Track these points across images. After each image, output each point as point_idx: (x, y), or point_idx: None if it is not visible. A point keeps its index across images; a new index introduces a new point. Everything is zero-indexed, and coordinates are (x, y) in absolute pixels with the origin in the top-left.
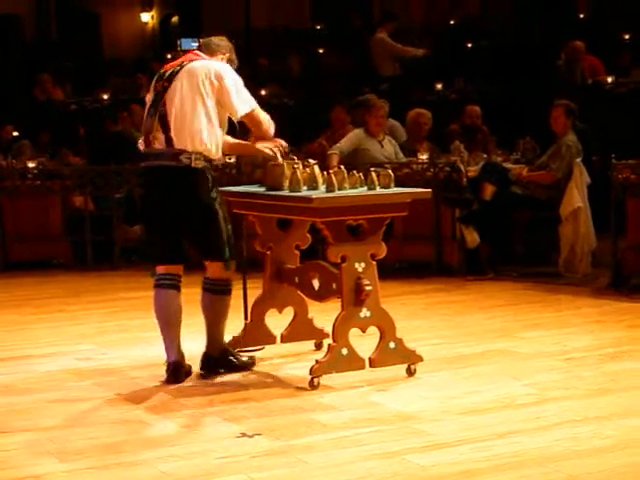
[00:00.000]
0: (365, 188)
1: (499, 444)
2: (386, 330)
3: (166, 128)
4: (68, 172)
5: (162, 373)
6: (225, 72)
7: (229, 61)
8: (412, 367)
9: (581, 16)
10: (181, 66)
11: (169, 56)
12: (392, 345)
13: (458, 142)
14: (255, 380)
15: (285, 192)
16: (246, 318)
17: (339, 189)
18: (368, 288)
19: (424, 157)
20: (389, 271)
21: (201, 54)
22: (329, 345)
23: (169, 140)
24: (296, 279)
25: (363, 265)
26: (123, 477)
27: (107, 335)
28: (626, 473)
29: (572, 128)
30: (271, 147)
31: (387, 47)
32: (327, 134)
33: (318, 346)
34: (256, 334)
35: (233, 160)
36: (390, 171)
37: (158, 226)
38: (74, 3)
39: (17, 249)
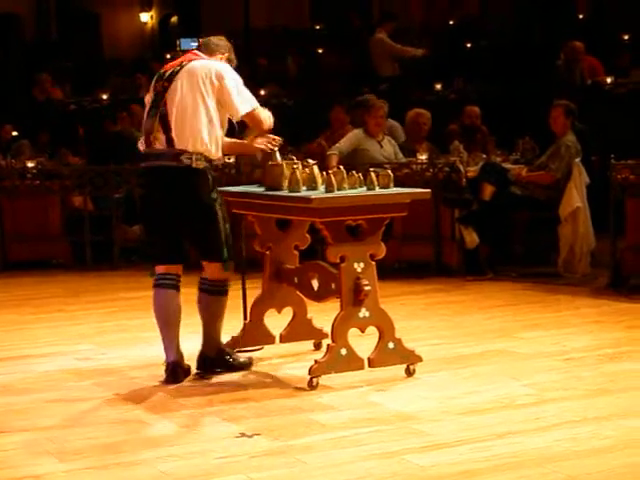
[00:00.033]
0: (364, 188)
1: (498, 444)
2: (385, 330)
3: (167, 128)
4: (67, 172)
5: (161, 373)
6: (225, 72)
7: (228, 61)
8: (411, 367)
9: (580, 16)
10: (181, 66)
11: (168, 56)
12: (391, 345)
13: (457, 142)
14: (254, 380)
15: (284, 192)
16: (245, 318)
17: (338, 189)
18: (367, 288)
19: (423, 157)
20: (388, 271)
21: (200, 54)
22: (328, 345)
23: (170, 140)
24: (295, 279)
25: (362, 265)
26: (122, 477)
27: (106, 335)
28: (625, 474)
29: (571, 128)
30: (266, 143)
31: (386, 47)
32: (326, 134)
33: (317, 346)
34: (255, 334)
35: (232, 160)
36: (389, 171)
37: (158, 226)
38: (74, 3)
39: (16, 249)
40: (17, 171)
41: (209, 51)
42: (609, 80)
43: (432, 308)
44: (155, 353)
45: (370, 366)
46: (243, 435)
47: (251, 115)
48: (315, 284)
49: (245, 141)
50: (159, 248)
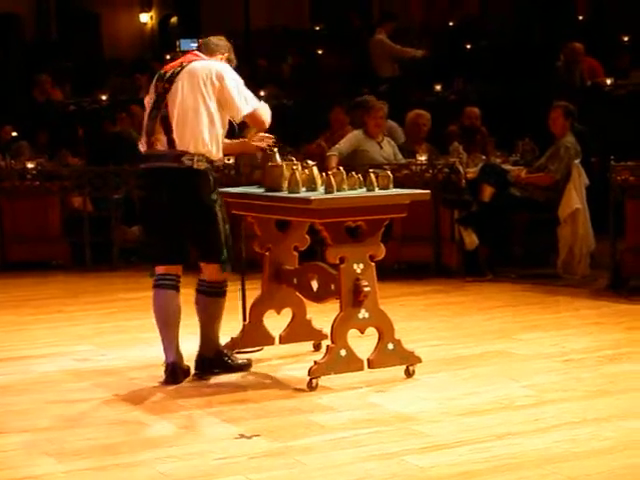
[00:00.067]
0: (364, 189)
1: (498, 445)
2: (385, 331)
3: (168, 130)
4: (67, 173)
5: (160, 374)
6: (226, 72)
7: (228, 61)
8: (411, 368)
9: (580, 18)
10: (181, 67)
11: (168, 57)
12: (391, 346)
13: (457, 143)
14: (253, 381)
15: (284, 193)
16: (244, 319)
17: (338, 190)
18: (367, 289)
19: (423, 158)
20: (388, 272)
21: (200, 54)
22: (327, 346)
23: (171, 142)
24: (295, 280)
25: (362, 266)
26: (121, 478)
27: (105, 336)
28: (625, 475)
29: (571, 130)
30: (263, 141)
31: (386, 48)
32: (326, 135)
33: (317, 347)
34: (254, 335)
35: (232, 161)
36: (389, 172)
37: (158, 227)
38: (74, 3)
39: (16, 250)
40: (17, 172)
41: (209, 51)
42: (609, 81)
43: (431, 309)
44: (154, 354)
45: (370, 367)
46: (242, 436)
47: (252, 115)
48: (314, 285)
49: (243, 140)
50: (159, 249)
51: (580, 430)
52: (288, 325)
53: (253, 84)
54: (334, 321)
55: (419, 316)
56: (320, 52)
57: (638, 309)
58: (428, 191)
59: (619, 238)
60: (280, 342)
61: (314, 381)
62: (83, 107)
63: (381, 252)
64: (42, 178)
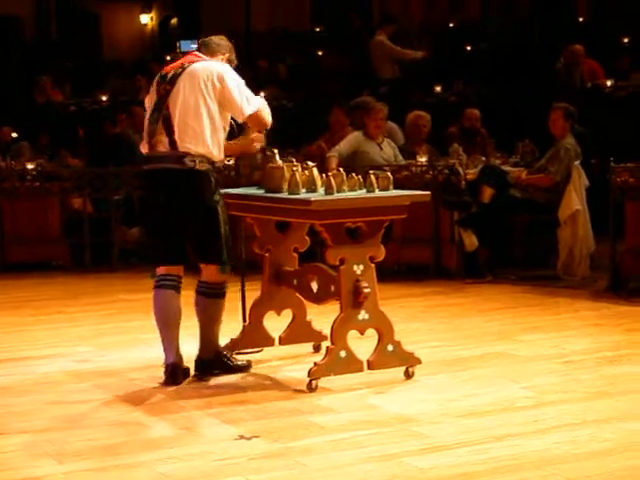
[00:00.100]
0: (364, 191)
1: (497, 447)
2: (384, 333)
3: (170, 131)
4: (67, 174)
5: (160, 375)
6: (226, 74)
7: (229, 61)
8: (410, 370)
9: (580, 19)
10: (182, 68)
11: (168, 58)
12: (390, 348)
13: (457, 145)
14: (253, 382)
15: (284, 194)
16: (244, 320)
17: (338, 192)
18: (366, 290)
19: (423, 160)
20: (388, 274)
21: (201, 55)
22: (327, 347)
23: (173, 143)
24: (295, 281)
25: (362, 268)
26: (121, 479)
27: (105, 337)
28: (625, 477)
29: (571, 131)
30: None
31: (386, 49)
32: (326, 136)
33: (316, 348)
34: (254, 336)
35: (232, 162)
36: (389, 174)
37: (160, 228)
38: (74, 4)
39: (16, 250)
40: (17, 173)
41: (210, 52)
42: (609, 83)
43: (431, 311)
44: (154, 355)
45: (369, 368)
46: (242, 437)
47: (255, 116)
48: (314, 286)
49: (243, 140)
50: (160, 249)
51: (580, 432)
52: (288, 326)
53: (253, 85)
54: (334, 322)
55: (419, 317)
56: (320, 53)
57: (638, 311)
58: (428, 192)
59: (619, 240)
60: (280, 343)
61: (314, 382)
62: (83, 108)
63: (381, 253)
64: (42, 179)
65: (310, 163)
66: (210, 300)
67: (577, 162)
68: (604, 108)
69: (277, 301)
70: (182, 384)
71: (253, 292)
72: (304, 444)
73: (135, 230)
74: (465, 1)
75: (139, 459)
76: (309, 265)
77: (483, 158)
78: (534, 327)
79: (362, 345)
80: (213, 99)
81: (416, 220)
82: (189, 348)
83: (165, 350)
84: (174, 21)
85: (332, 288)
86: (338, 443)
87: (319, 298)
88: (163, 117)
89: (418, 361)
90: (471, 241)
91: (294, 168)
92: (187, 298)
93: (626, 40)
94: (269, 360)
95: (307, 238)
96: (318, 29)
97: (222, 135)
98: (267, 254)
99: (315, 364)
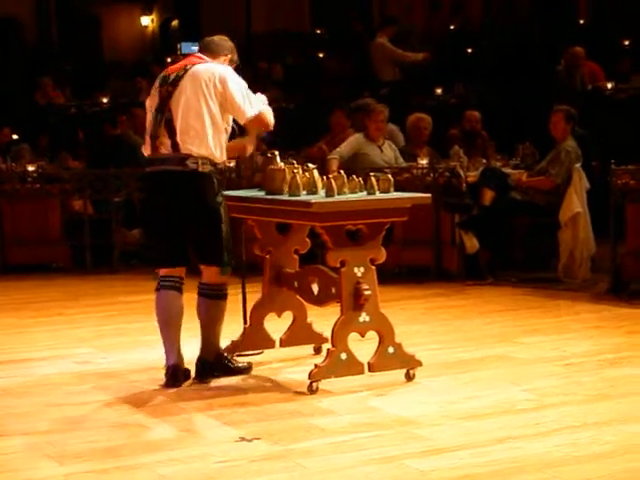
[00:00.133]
0: (365, 193)
1: (498, 449)
2: (385, 335)
3: (172, 133)
4: (67, 176)
5: (161, 377)
6: (229, 76)
7: (231, 61)
8: (411, 372)
9: (581, 22)
10: (185, 70)
11: (169, 60)
12: (391, 350)
13: (457, 147)
14: (254, 384)
15: (284, 196)
16: (245, 322)
17: (338, 194)
18: (367, 293)
19: (424, 162)
20: (388, 276)
21: (203, 57)
22: (328, 350)
23: (175, 145)
24: (295, 283)
25: (362, 270)
26: None
27: (106, 339)
28: (625, 479)
29: (571, 133)
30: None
31: (387, 52)
32: (327, 138)
33: (317, 350)
34: (255, 338)
35: (233, 164)
36: (390, 176)
37: (162, 230)
38: (74, 6)
39: (16, 252)
40: (17, 175)
41: (212, 53)
42: (609, 85)
43: (432, 313)
44: (155, 357)
45: (370, 370)
46: (243, 439)
47: (257, 118)
48: (315, 288)
49: (234, 143)
50: (162, 251)
51: (581, 434)
52: (289, 328)
53: (254, 87)
54: (335, 324)
55: (420, 320)
56: (321, 55)
57: (638, 313)
58: (429, 195)
59: (620, 242)
60: (281, 345)
61: (314, 384)
62: (84, 110)
63: (382, 256)
64: (43, 181)
65: (311, 165)
66: (211, 301)
67: (578, 164)
68: (605, 110)
69: (278, 303)
70: (183, 386)
71: (254, 294)
72: (305, 446)
73: (136, 232)
74: (466, 3)
75: (140, 461)
76: (310, 267)
77: (484, 160)
78: (535, 329)
79: (363, 347)
80: (215, 101)
81: (417, 222)
82: (190, 350)
83: (166, 351)
84: (175, 23)
85: (333, 290)
86: (339, 445)
87: (320, 300)
88: (165, 119)
89: (419, 363)
90: (472, 243)
91: (295, 170)
92: (188, 300)
93: (627, 42)
94: (270, 362)
95: (308, 240)
96: (319, 31)
97: (224, 137)
98: (268, 256)
99: (316, 366)
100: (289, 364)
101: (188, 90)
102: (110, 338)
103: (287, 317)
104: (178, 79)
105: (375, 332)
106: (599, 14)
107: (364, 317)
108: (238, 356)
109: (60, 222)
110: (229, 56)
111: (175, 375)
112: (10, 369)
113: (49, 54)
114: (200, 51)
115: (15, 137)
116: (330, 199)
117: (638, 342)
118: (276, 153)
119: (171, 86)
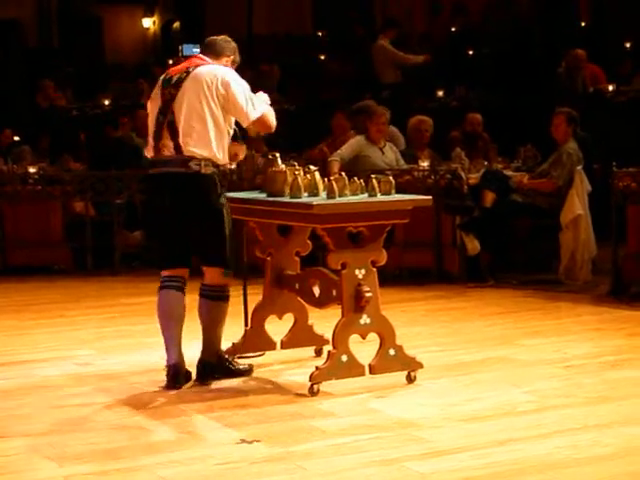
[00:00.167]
0: (366, 195)
1: (499, 451)
2: (386, 337)
3: (175, 135)
4: (69, 177)
5: (162, 378)
6: (231, 78)
7: (233, 62)
8: (412, 374)
9: (582, 24)
10: (187, 72)
11: (170, 62)
12: (392, 352)
13: (459, 149)
14: (255, 386)
15: (286, 198)
16: (246, 324)
17: (340, 196)
18: (368, 295)
19: (425, 164)
20: (389, 278)
21: (206, 58)
22: (329, 352)
23: (178, 147)
24: (296, 285)
25: (363, 272)
26: None
27: (106, 340)
28: None
29: (573, 136)
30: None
31: (388, 54)
32: (328, 141)
33: (318, 352)
34: (256, 340)
35: (234, 166)
36: (391, 178)
37: (164, 231)
38: (76, 8)
39: (17, 254)
40: (19, 176)
41: (215, 54)
42: (611, 88)
43: (433, 315)
44: (155, 359)
45: (371, 373)
46: (243, 441)
47: (260, 120)
48: (316, 290)
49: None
50: (164, 253)
51: (581, 436)
52: (290, 330)
53: (255, 89)
54: (335, 326)
55: (420, 322)
56: (322, 58)
57: (639, 315)
58: (430, 197)
59: (621, 244)
60: (281, 347)
61: (315, 386)
62: (85, 112)
63: (383, 258)
64: (44, 183)
65: (312, 167)
66: (213, 303)
67: (579, 167)
68: (606, 113)
69: (279, 305)
70: (183, 388)
71: (255, 296)
72: (305, 448)
73: (137, 234)
74: (467, 6)
75: (140, 463)
76: (311, 269)
77: (485, 163)
78: (536, 331)
79: (364, 349)
80: (217, 103)
81: (418, 224)
82: (191, 352)
83: (167, 350)
84: (176, 25)
85: (334, 292)
86: (339, 447)
87: (321, 302)
88: (168, 121)
89: (420, 365)
90: (473, 245)
91: (296, 172)
92: (190, 302)
93: (628, 45)
94: (271, 364)
95: (309, 242)
96: (320, 33)
97: (226, 139)
98: (269, 258)
99: (317, 368)
100: (290, 366)
101: (190, 92)
102: (111, 340)
103: (288, 319)
104: (180, 81)
105: (376, 334)
106: (600, 16)
107: (365, 319)
108: (239, 358)
109: (61, 224)
110: (231, 57)
111: (176, 375)
112: (11, 371)
113: (50, 56)
114: (202, 52)
115: (16, 139)
116: (331, 201)
117: (639, 344)
118: (277, 155)
119: (173, 88)
